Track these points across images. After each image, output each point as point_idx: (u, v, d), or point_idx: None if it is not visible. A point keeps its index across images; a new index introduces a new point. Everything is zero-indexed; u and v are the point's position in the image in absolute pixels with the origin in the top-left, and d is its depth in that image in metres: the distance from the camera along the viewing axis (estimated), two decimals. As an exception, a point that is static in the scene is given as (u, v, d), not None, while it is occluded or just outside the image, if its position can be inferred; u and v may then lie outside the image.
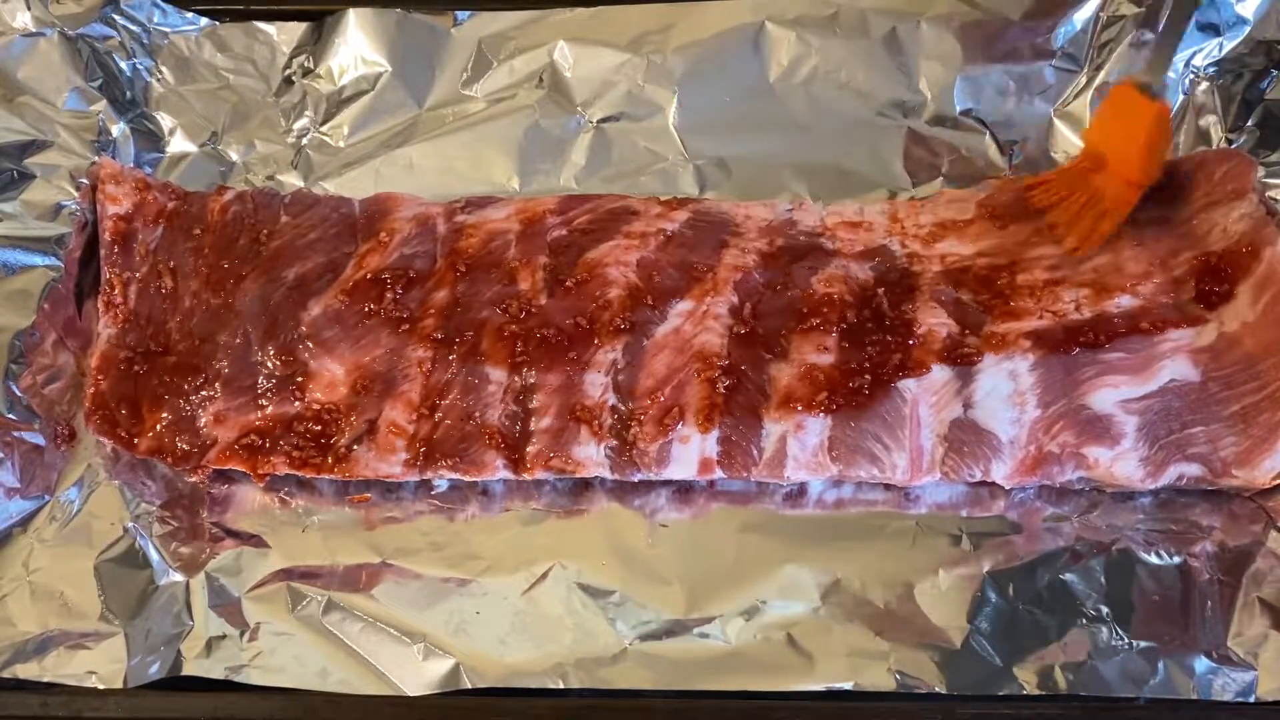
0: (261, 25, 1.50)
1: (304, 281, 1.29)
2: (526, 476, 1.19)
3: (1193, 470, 1.17)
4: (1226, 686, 1.07)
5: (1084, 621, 1.11)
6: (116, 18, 1.46)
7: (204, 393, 1.23)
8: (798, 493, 1.20)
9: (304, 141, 1.47)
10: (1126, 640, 1.10)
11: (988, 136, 1.43)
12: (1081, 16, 1.43)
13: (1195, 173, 1.31)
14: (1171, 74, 1.42)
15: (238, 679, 1.09)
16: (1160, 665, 1.08)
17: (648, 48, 1.48)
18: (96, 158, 1.37)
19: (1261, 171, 1.32)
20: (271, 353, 1.24)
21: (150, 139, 1.45)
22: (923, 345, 1.23)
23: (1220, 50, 1.42)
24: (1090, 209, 1.25)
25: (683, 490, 1.21)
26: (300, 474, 1.20)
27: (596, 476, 1.20)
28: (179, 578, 1.15)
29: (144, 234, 1.32)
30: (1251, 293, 1.22)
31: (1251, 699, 1.07)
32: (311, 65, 1.49)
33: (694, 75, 1.47)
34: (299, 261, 1.31)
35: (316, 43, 1.49)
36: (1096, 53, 1.44)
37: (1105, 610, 1.12)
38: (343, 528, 1.20)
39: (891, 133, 1.44)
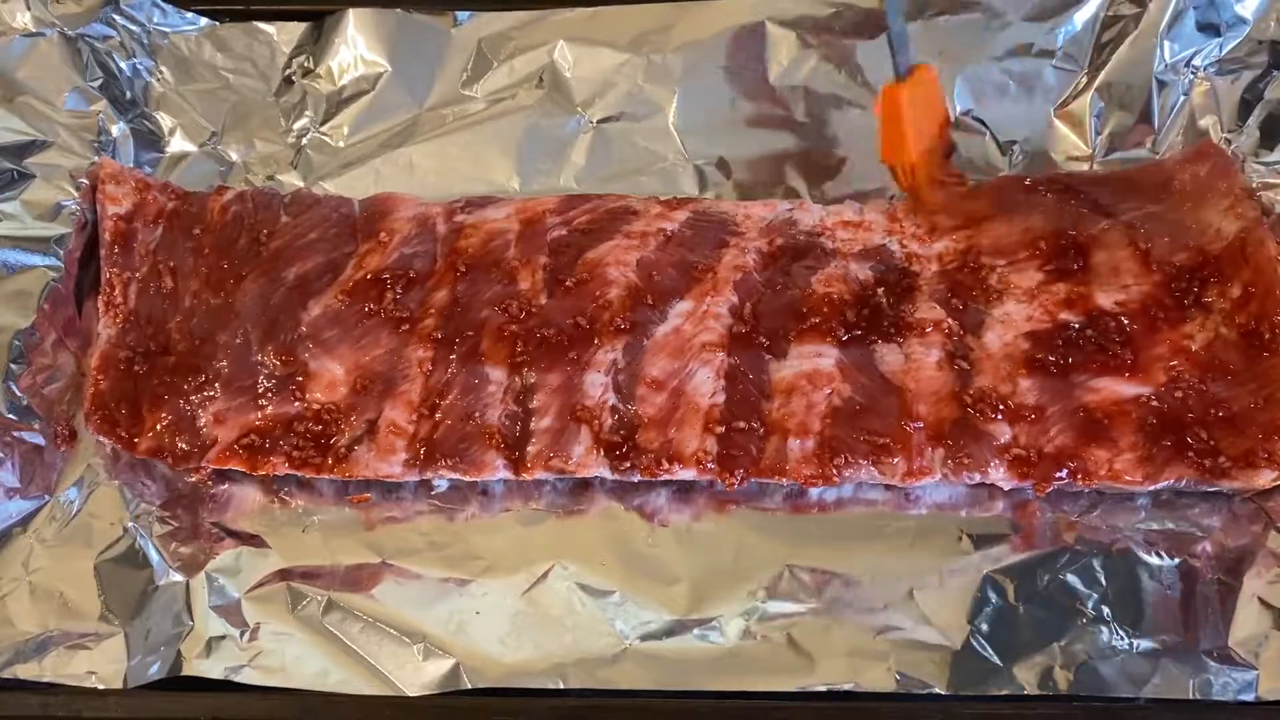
0: (261, 25, 1.50)
1: (304, 281, 1.29)
2: (526, 477, 1.19)
3: (1192, 471, 1.16)
4: (1227, 686, 1.07)
5: (1084, 621, 1.11)
6: (116, 18, 1.46)
7: (204, 393, 1.23)
8: (798, 493, 1.20)
9: (304, 141, 1.46)
10: (1126, 640, 1.10)
11: (988, 136, 1.43)
12: (1081, 16, 1.43)
13: (1187, 172, 1.31)
14: (1171, 74, 1.42)
15: (237, 679, 1.09)
16: (1160, 665, 1.08)
17: (648, 48, 1.48)
18: (96, 158, 1.37)
19: (1261, 171, 1.32)
20: (271, 353, 1.24)
21: (150, 139, 1.45)
22: (921, 345, 1.23)
23: (1220, 50, 1.42)
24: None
25: (683, 490, 1.21)
26: (300, 474, 1.20)
27: (596, 476, 1.20)
28: (179, 578, 1.15)
29: (144, 234, 1.32)
30: (1246, 293, 1.22)
31: (1252, 699, 1.07)
32: (311, 65, 1.49)
33: (694, 75, 1.47)
34: (299, 261, 1.31)
35: (316, 43, 1.49)
36: (1096, 53, 1.43)
37: (1105, 610, 1.11)
38: (343, 528, 1.20)
39: (892, 132, 1.44)
